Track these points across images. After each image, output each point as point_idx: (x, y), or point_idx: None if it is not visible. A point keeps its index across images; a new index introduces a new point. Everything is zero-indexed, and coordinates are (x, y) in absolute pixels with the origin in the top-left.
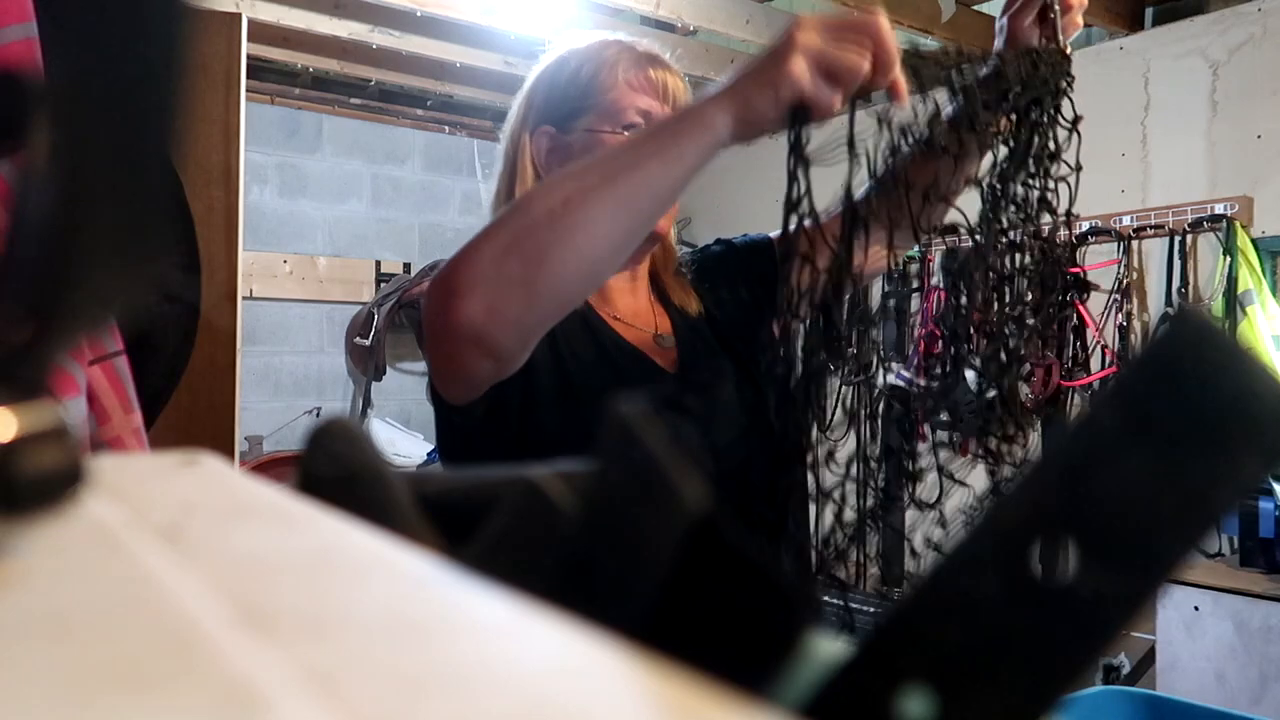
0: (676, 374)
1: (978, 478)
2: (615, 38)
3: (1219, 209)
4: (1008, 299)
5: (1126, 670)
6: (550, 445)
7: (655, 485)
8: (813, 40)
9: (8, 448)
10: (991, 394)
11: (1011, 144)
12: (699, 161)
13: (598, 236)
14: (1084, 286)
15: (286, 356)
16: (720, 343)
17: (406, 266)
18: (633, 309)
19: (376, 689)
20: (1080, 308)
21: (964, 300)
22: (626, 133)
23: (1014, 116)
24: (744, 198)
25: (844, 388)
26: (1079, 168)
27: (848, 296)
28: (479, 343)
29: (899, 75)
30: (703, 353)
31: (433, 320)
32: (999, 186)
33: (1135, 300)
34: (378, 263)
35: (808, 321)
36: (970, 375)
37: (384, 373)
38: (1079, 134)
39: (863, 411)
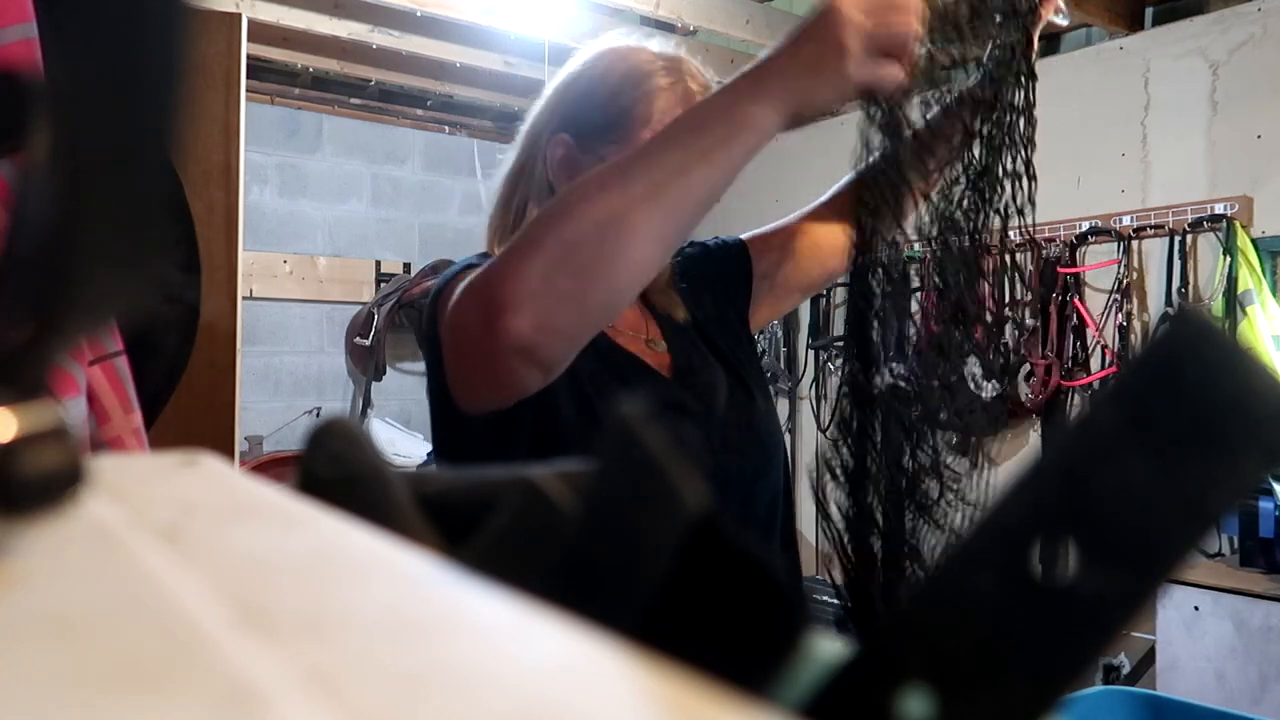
0: (673, 378)
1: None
2: (666, 56)
3: (1219, 209)
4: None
5: (1126, 670)
6: (562, 448)
7: (655, 485)
8: (863, 22)
9: (8, 448)
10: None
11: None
12: (747, 161)
13: (649, 246)
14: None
15: (286, 356)
16: (707, 345)
17: (406, 266)
18: (622, 315)
19: (376, 689)
20: (1080, 307)
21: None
22: None
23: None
24: (737, 195)
25: (844, 387)
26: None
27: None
28: (530, 356)
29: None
30: (694, 356)
31: (472, 335)
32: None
33: (1135, 300)
34: (378, 263)
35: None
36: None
37: (384, 373)
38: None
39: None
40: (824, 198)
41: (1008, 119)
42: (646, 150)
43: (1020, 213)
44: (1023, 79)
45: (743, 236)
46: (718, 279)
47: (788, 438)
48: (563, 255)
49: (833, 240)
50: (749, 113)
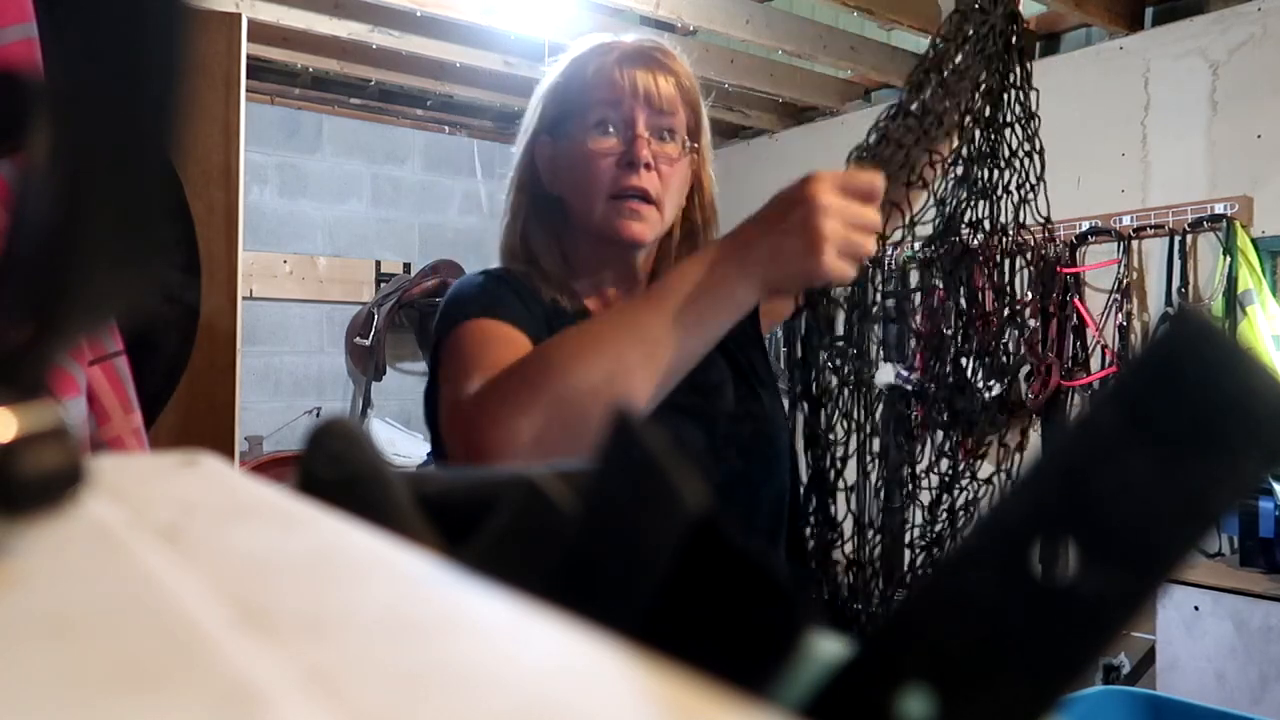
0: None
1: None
2: (608, 39)
3: (1219, 209)
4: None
5: (1126, 670)
6: None
7: (655, 485)
8: (838, 226)
9: (8, 448)
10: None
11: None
12: (729, 327)
13: (641, 403)
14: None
15: (286, 356)
16: (716, 346)
17: (406, 266)
18: None
19: (376, 689)
20: (1080, 307)
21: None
22: (595, 133)
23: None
24: (740, 198)
25: (843, 388)
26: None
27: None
28: None
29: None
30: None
31: (460, 463)
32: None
33: (1135, 300)
34: (378, 263)
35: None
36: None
37: (384, 373)
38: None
39: (863, 411)
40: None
41: (1001, 97)
42: (639, 316)
43: (1030, 187)
44: (1010, 55)
45: None
46: None
47: None
48: (556, 415)
49: None
50: (732, 292)
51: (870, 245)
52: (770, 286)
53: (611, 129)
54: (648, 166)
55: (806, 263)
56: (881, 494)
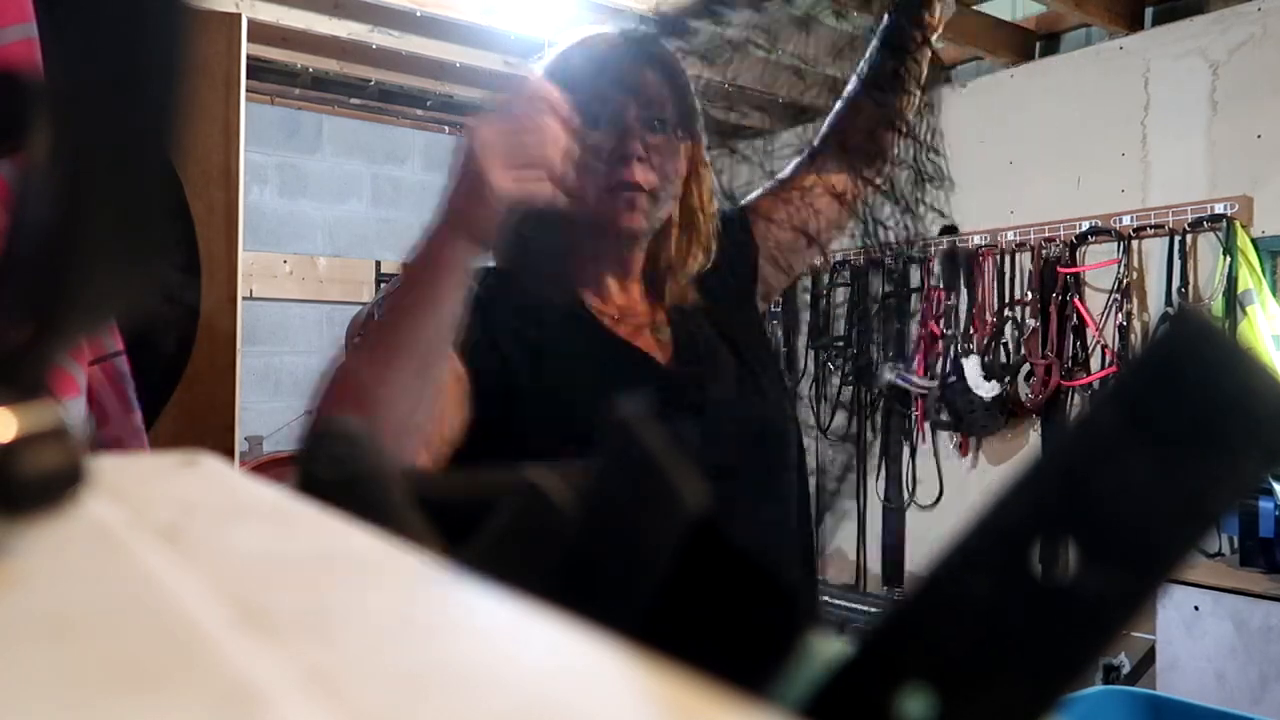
0: (674, 366)
1: (979, 476)
2: (594, 32)
3: (1219, 209)
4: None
5: (1126, 670)
6: (536, 441)
7: (655, 485)
8: (492, 142)
9: (8, 448)
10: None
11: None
12: (461, 288)
13: (405, 399)
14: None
15: (286, 356)
16: (716, 328)
17: None
18: (626, 303)
19: (376, 689)
20: (1080, 307)
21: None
22: (585, 128)
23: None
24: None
25: (844, 387)
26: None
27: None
28: None
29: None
30: (700, 343)
31: None
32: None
33: (1135, 300)
34: (378, 263)
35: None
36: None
37: None
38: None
39: (863, 411)
40: (816, 140)
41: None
42: (386, 327)
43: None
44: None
45: (742, 203)
46: (721, 254)
47: None
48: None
49: (825, 185)
50: (441, 256)
51: (539, 141)
52: (468, 231)
53: (602, 122)
54: (640, 159)
55: (476, 195)
56: (882, 492)
